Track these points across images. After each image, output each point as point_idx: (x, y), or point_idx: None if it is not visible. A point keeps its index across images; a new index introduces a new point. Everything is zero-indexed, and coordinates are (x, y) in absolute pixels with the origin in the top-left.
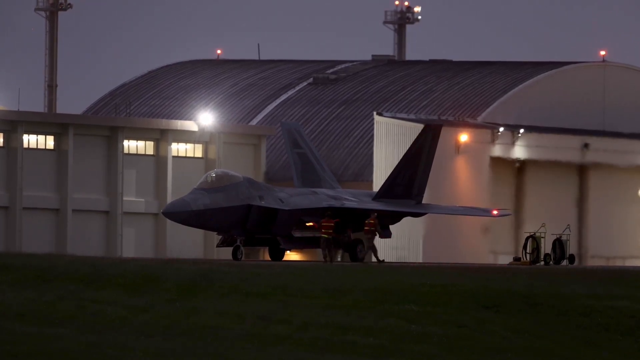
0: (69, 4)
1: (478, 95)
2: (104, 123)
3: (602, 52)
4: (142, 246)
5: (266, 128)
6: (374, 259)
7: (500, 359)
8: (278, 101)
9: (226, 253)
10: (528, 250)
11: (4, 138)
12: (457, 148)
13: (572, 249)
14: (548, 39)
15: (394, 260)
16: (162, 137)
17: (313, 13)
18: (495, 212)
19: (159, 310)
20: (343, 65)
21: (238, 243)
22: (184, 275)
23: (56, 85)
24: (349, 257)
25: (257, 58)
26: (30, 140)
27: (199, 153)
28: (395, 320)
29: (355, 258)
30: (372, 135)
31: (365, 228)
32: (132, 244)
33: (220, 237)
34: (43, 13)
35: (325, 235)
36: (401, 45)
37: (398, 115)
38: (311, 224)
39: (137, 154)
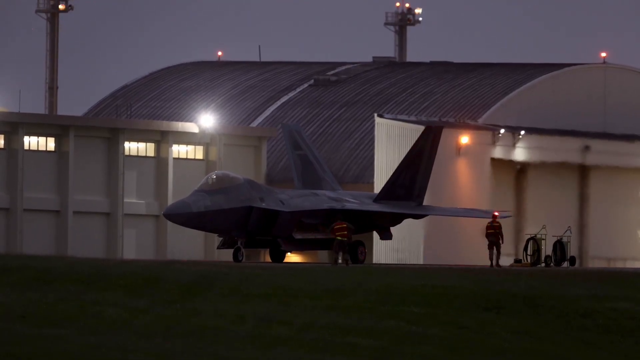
0: (70, 5)
1: (479, 97)
2: (104, 125)
3: (603, 54)
4: (143, 248)
5: (267, 130)
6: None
7: None
8: (279, 103)
9: (227, 255)
10: (529, 252)
11: (4, 139)
12: (458, 150)
13: (572, 250)
14: (549, 41)
15: (394, 262)
16: (163, 138)
17: (314, 15)
18: (496, 213)
19: (159, 312)
20: (344, 67)
21: (239, 245)
22: (184, 277)
23: (57, 87)
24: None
25: (258, 60)
26: (31, 141)
27: (199, 155)
28: (396, 321)
29: (356, 260)
30: (373, 137)
31: (489, 231)
32: (133, 246)
33: (221, 238)
34: (44, 15)
35: (339, 238)
36: (402, 47)
37: (399, 117)
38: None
39: (138, 156)
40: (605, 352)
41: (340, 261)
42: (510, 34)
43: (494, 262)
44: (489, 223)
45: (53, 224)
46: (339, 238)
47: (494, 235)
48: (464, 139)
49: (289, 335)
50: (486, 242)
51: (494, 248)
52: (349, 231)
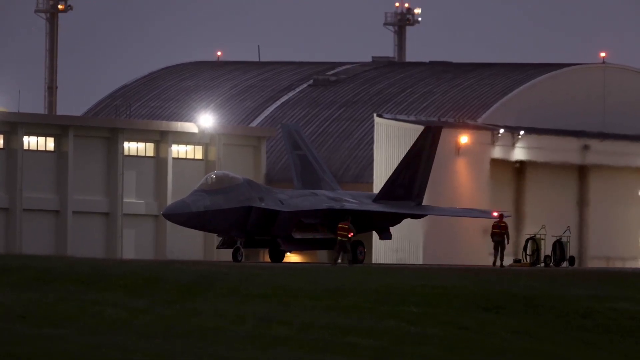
0: (69, 5)
1: (478, 96)
2: (104, 125)
3: (602, 54)
4: (142, 248)
5: (266, 130)
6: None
7: None
8: (278, 103)
9: (226, 255)
10: (528, 252)
11: (4, 139)
12: (457, 150)
13: (572, 250)
14: (548, 41)
15: (394, 262)
16: (162, 138)
17: (313, 15)
18: (495, 213)
19: (159, 312)
20: (343, 67)
21: (238, 244)
22: (184, 277)
23: (56, 87)
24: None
25: (257, 60)
26: (31, 141)
27: (199, 155)
28: (396, 321)
29: (356, 260)
30: (373, 137)
31: (495, 231)
32: (132, 246)
33: (220, 238)
34: (43, 15)
35: (339, 238)
36: (401, 47)
37: (398, 117)
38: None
39: (137, 156)
40: (605, 352)
41: (339, 261)
42: (510, 34)
43: (498, 262)
44: (495, 223)
45: (52, 223)
46: (339, 238)
47: (499, 235)
48: (464, 139)
49: (288, 335)
50: (490, 241)
51: (499, 248)
52: (348, 231)
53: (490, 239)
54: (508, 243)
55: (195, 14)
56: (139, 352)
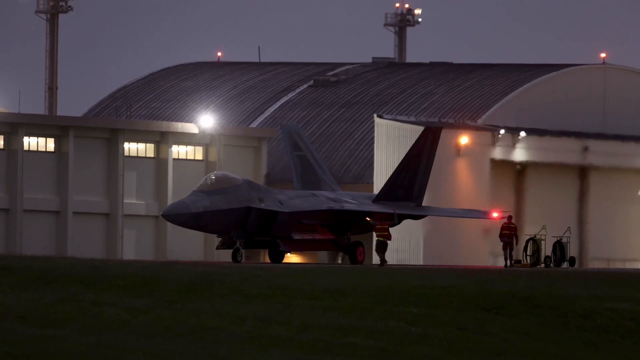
0: (70, 6)
1: (478, 97)
2: (104, 125)
3: (603, 55)
4: (143, 248)
5: (266, 130)
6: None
7: None
8: (278, 103)
9: (226, 255)
10: (529, 253)
11: (4, 140)
12: (458, 150)
13: (572, 251)
14: (548, 42)
15: (394, 263)
16: (162, 139)
17: (313, 15)
18: (495, 214)
19: (159, 312)
20: (343, 68)
21: (238, 245)
22: (184, 277)
23: (57, 88)
24: (349, 259)
25: (257, 60)
26: (31, 142)
27: (199, 155)
28: (396, 322)
29: (355, 260)
30: (373, 137)
31: (505, 232)
32: (133, 246)
33: (220, 239)
34: (44, 15)
35: (381, 239)
36: (402, 48)
37: (398, 117)
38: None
39: (137, 157)
40: (605, 352)
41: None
42: (510, 35)
43: (508, 262)
44: (504, 224)
45: (53, 224)
46: (380, 239)
47: (509, 236)
48: (464, 140)
49: (288, 336)
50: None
51: (508, 249)
52: (388, 231)
53: (499, 240)
54: (517, 244)
55: (195, 15)
56: (139, 352)
